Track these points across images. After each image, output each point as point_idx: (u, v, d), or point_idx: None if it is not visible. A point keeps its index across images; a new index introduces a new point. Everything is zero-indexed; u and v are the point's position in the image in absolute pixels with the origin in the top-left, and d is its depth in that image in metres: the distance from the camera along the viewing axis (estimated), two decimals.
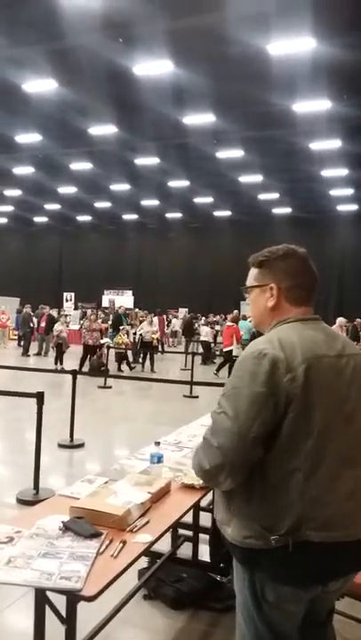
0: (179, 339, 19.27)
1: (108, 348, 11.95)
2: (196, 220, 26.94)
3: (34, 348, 15.66)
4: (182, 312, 22.06)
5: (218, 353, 14.56)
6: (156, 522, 2.17)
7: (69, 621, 1.86)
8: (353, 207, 23.37)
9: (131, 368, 12.86)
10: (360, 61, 11.09)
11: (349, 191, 20.51)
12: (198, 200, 23.60)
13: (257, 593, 1.53)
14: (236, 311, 14.47)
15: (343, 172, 18.03)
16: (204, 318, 17.79)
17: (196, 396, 9.51)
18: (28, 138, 16.32)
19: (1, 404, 7.65)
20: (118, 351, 12.77)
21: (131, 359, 13.28)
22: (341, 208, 23.47)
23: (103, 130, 15.36)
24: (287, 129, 14.75)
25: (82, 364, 11.81)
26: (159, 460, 2.61)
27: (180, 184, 20.82)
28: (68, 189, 22.88)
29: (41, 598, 1.98)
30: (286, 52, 10.94)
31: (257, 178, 19.37)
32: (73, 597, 1.68)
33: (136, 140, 16.25)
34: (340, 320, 12.65)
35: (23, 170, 20.00)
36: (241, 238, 26.60)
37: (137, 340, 13.52)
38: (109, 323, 15.42)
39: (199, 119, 14.33)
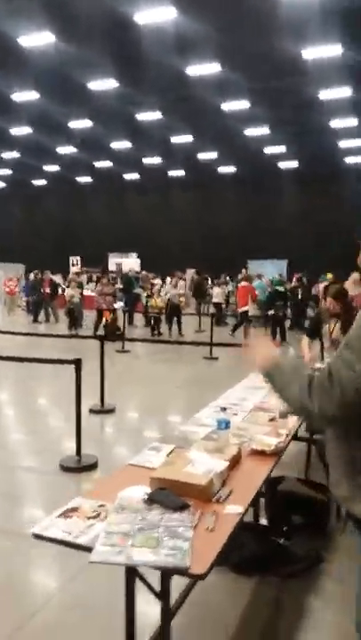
0: (187, 300, 19.09)
1: (125, 311, 11.79)
2: (200, 177, 26.31)
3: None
4: (190, 273, 21.80)
5: (229, 313, 14.47)
6: (239, 491, 2.10)
7: (164, 596, 1.82)
8: None
9: (160, 334, 12.78)
10: None
11: (360, 142, 19.90)
12: (202, 156, 22.97)
13: None
14: (244, 270, 14.25)
15: (354, 121, 17.44)
16: (215, 280, 17.55)
17: (216, 358, 9.45)
18: (25, 96, 15.75)
19: (19, 372, 7.60)
20: (154, 315, 12.64)
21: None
22: (351, 160, 22.84)
23: (103, 85, 14.77)
24: (296, 77, 14.17)
25: (96, 329, 11.73)
26: (227, 425, 2.52)
27: (184, 139, 20.21)
28: (67, 149, 22.26)
29: (131, 573, 1.94)
30: None
31: (263, 130, 18.78)
32: (180, 574, 1.61)
33: (138, 94, 15.65)
34: (355, 275, 12.44)
35: (20, 130, 19.39)
36: (246, 196, 26.12)
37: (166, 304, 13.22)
38: (117, 286, 15.24)
39: (204, 69, 13.74)
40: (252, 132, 18.89)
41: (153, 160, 24.07)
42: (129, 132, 19.69)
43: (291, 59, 13.10)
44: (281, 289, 11.65)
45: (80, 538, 1.74)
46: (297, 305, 13.80)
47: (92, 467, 4.26)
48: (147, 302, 13.33)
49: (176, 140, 20.37)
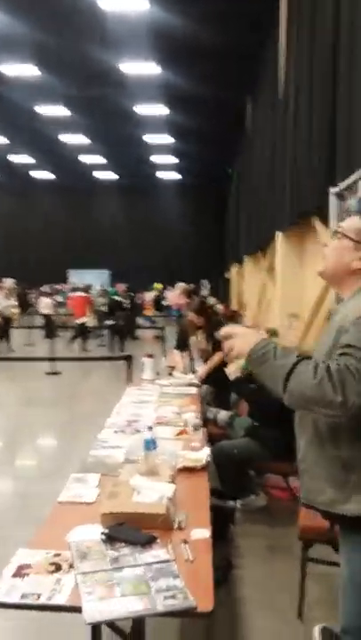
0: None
1: None
2: (13, 181, 24.94)
3: None
4: (9, 282, 20.45)
5: (60, 325, 13.98)
6: (192, 513, 2.01)
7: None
8: (176, 176, 24.10)
9: None
10: (192, 31, 11.28)
11: (173, 159, 21.04)
12: (16, 159, 21.81)
13: None
14: (75, 281, 13.94)
15: (168, 139, 18.38)
16: (38, 290, 16.78)
17: (59, 372, 9.03)
18: None
19: None
20: None
21: None
22: (163, 176, 24.01)
23: None
24: (113, 89, 14.41)
25: None
26: (155, 445, 2.41)
27: None
28: None
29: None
30: (119, 10, 10.60)
31: (81, 139, 18.65)
32: (188, 616, 1.48)
33: None
34: (181, 285, 13.14)
35: None
36: (66, 204, 25.55)
37: None
38: None
39: (19, 70, 13.13)
40: (69, 138, 18.64)
41: None
42: None
43: (109, 70, 13.28)
44: (119, 299, 11.72)
45: (55, 598, 1.48)
46: (127, 315, 13.99)
47: None
48: None
49: None
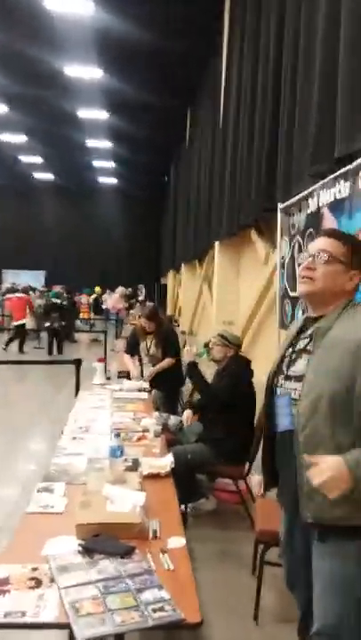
0: None
1: None
2: None
3: None
4: None
5: None
6: (164, 520, 2.02)
7: None
8: (115, 181, 23.99)
9: None
10: (137, 37, 11.32)
11: (112, 165, 20.94)
12: None
13: None
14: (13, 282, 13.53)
15: (108, 144, 18.28)
16: None
17: None
18: None
19: None
20: None
21: None
22: (102, 180, 23.84)
23: None
24: (55, 90, 14.17)
25: None
26: (122, 452, 2.40)
27: None
28: None
29: None
30: (64, 11, 10.46)
31: (20, 138, 18.15)
32: (177, 628, 1.48)
33: None
34: (120, 290, 13.09)
35: None
36: (1, 203, 24.71)
37: None
38: None
39: None
40: (8, 137, 18.09)
41: None
42: None
43: (52, 71, 13.05)
44: (57, 301, 11.50)
45: (42, 615, 1.44)
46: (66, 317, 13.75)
47: None
48: None
49: None
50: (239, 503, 3.76)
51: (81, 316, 16.67)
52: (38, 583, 1.59)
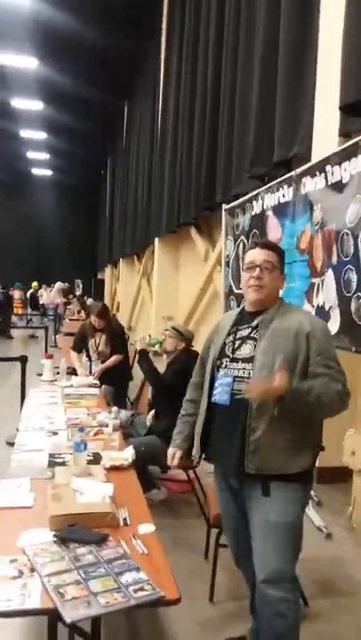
0: None
1: None
2: None
3: None
4: None
5: None
6: (132, 509, 2.13)
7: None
8: (50, 174, 23.46)
9: None
10: (74, 28, 11.20)
11: (47, 157, 20.49)
12: None
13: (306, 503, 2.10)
14: None
15: (43, 136, 17.88)
16: None
17: None
18: None
19: None
20: None
21: None
22: (37, 172, 23.28)
23: None
24: None
25: None
26: (85, 447, 2.48)
27: None
28: None
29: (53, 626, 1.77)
30: None
31: None
32: (158, 605, 1.59)
33: None
34: (58, 285, 12.91)
35: None
36: None
37: None
38: None
39: None
40: None
41: None
42: None
43: None
44: None
45: (27, 602, 1.51)
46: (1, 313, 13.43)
47: None
48: None
49: None
50: (188, 492, 3.91)
51: (15, 311, 16.27)
52: (20, 573, 1.65)
